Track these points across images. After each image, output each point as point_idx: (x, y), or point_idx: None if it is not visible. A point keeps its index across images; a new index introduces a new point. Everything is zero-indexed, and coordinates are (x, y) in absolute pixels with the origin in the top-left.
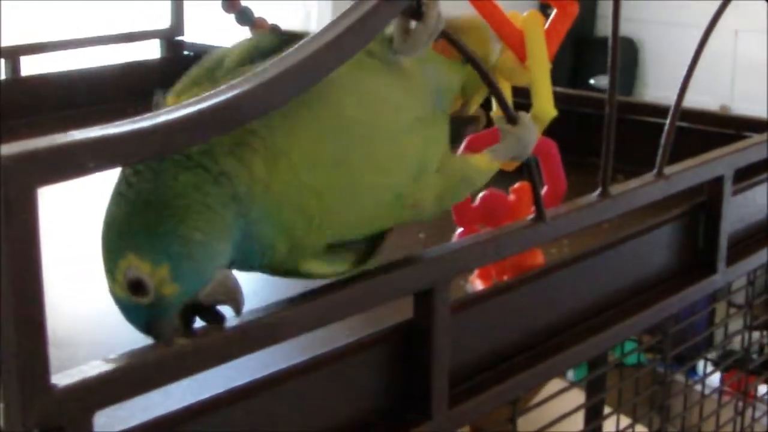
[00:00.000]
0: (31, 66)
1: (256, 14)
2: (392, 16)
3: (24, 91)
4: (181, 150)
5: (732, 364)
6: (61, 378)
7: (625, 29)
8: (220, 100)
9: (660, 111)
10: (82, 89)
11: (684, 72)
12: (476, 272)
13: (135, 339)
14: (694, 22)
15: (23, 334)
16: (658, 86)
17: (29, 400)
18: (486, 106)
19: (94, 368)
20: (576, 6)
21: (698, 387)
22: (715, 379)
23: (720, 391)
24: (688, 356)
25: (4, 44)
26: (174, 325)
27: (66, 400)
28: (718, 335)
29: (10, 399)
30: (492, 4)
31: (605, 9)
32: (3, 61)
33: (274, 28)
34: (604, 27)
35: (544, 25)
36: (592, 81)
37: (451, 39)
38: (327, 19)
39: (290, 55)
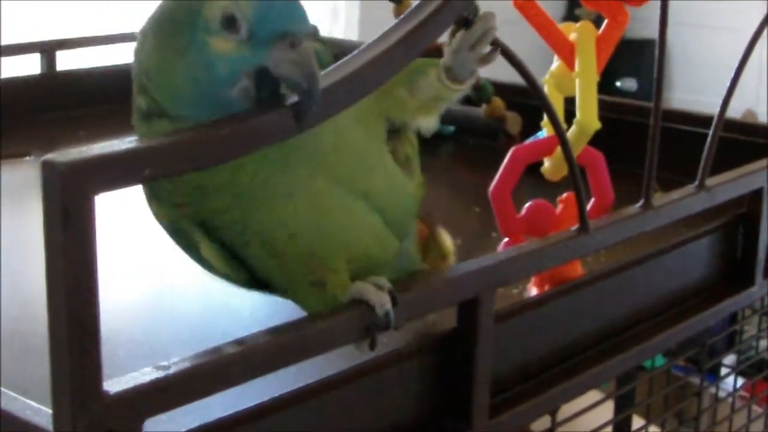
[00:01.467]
0: (66, 61)
1: None
2: (445, 27)
3: (59, 85)
4: (237, 158)
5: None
6: (114, 385)
7: (649, 32)
8: (277, 111)
9: (692, 119)
10: (117, 85)
11: (712, 74)
12: (533, 279)
13: (171, 338)
14: (722, 24)
15: (77, 340)
16: (685, 89)
17: (80, 407)
18: (523, 112)
19: (146, 375)
20: (627, 16)
21: (721, 395)
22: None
23: (746, 400)
24: (716, 366)
25: (40, 39)
26: (249, 91)
27: (118, 407)
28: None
29: (60, 405)
30: (544, 15)
31: (631, 10)
32: (39, 55)
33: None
34: (629, 28)
35: (595, 36)
36: (618, 83)
37: (505, 52)
38: (355, 18)
39: (344, 65)
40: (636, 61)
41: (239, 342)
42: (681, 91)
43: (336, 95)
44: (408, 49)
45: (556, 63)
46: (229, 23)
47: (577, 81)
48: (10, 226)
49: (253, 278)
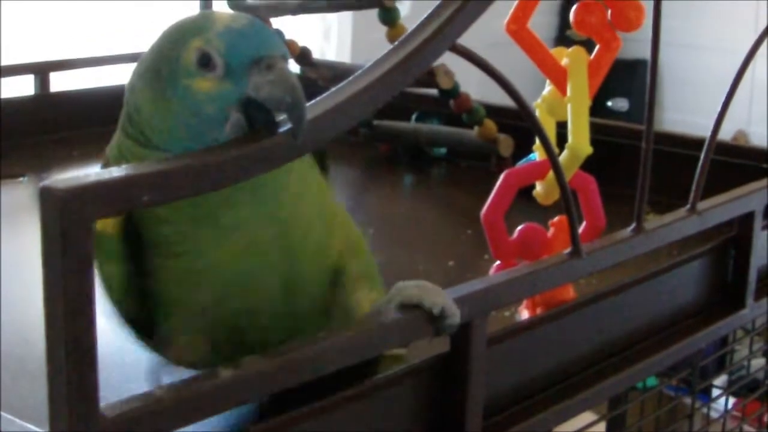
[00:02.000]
0: (60, 82)
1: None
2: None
3: (53, 107)
4: (236, 183)
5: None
6: (110, 408)
7: (641, 52)
8: (276, 135)
9: (683, 142)
10: (110, 106)
11: (703, 94)
12: (524, 302)
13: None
14: (713, 44)
15: (74, 364)
16: (676, 109)
17: (77, 430)
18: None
19: (142, 399)
20: (619, 42)
21: (713, 415)
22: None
23: (738, 420)
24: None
25: (33, 60)
26: (241, 123)
27: (115, 430)
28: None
29: (58, 428)
30: (536, 40)
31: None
32: (33, 76)
33: (304, 51)
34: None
35: (587, 61)
36: (609, 104)
37: (496, 77)
38: (347, 39)
39: (341, 90)
40: (627, 81)
41: (234, 365)
42: (672, 112)
43: (339, 115)
44: (404, 73)
45: (548, 88)
46: (205, 62)
47: (569, 106)
48: (5, 247)
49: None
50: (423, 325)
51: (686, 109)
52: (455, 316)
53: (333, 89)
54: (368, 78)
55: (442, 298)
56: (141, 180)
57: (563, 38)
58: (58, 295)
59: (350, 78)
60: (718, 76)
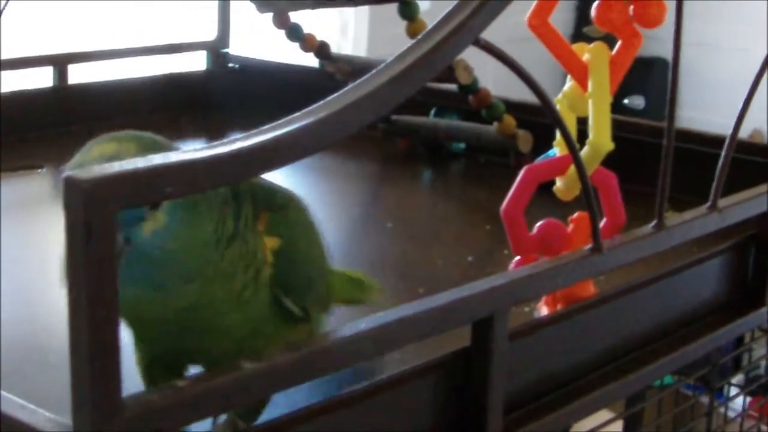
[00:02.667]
0: (78, 74)
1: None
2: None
3: (71, 99)
4: (258, 175)
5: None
6: (133, 399)
7: (658, 50)
8: (298, 127)
9: (703, 139)
10: (128, 99)
11: (720, 93)
12: (543, 298)
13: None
14: (731, 44)
15: (98, 355)
16: (693, 107)
17: (101, 422)
18: (534, 130)
19: (165, 391)
20: (641, 38)
21: (729, 414)
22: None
23: (756, 419)
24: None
25: (52, 52)
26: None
27: (137, 422)
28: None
29: (81, 419)
30: (558, 36)
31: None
32: (51, 68)
33: (323, 45)
34: None
35: (608, 57)
36: (626, 101)
37: (519, 72)
38: (363, 31)
39: (363, 84)
40: (644, 79)
41: (257, 358)
42: (688, 110)
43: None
44: (427, 68)
45: (569, 83)
46: None
47: (590, 102)
48: (25, 237)
49: None
50: None
51: (703, 107)
52: None
53: (353, 84)
54: (390, 73)
55: None
56: (166, 171)
57: (580, 35)
58: (81, 286)
59: (371, 72)
60: (736, 75)
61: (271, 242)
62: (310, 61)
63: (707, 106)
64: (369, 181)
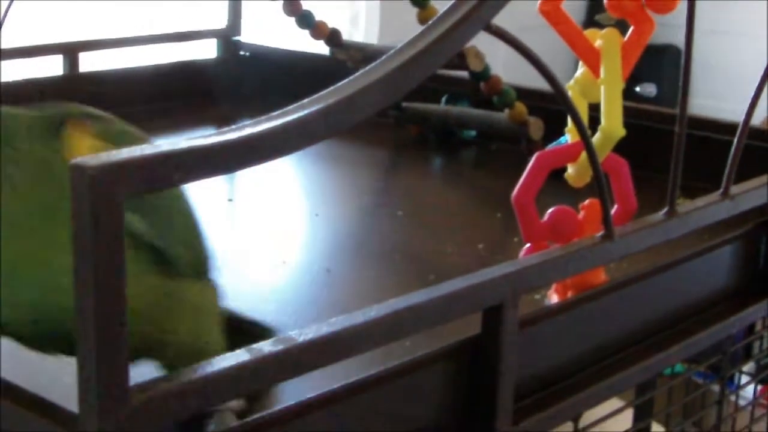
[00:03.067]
0: (89, 63)
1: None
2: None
3: (81, 87)
4: (264, 162)
5: None
6: (140, 387)
7: (670, 37)
8: (307, 113)
9: (715, 126)
10: (138, 87)
11: (732, 80)
12: (554, 286)
13: None
14: (743, 30)
15: (105, 342)
16: (705, 94)
17: (107, 409)
18: (545, 117)
19: (173, 378)
20: (653, 24)
21: (740, 402)
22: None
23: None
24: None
25: (63, 40)
26: None
27: (145, 410)
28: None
29: (87, 407)
30: (570, 21)
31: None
32: (61, 57)
33: (334, 32)
34: None
35: (621, 43)
36: (637, 89)
37: (531, 58)
38: (375, 22)
39: (373, 70)
40: (655, 66)
41: (277, 341)
42: (700, 98)
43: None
44: (438, 53)
45: (580, 69)
46: None
47: (602, 88)
48: None
49: None
50: None
51: (714, 95)
52: None
53: (364, 69)
54: (400, 59)
55: None
56: (172, 157)
57: (592, 22)
58: (88, 273)
59: (382, 58)
60: (748, 62)
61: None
62: (321, 48)
63: (719, 93)
64: (379, 169)
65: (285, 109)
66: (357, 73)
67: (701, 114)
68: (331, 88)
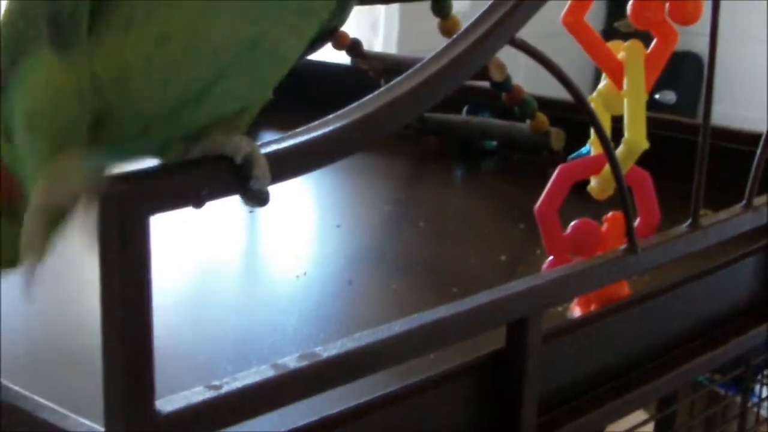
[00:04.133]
0: None
1: None
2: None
3: None
4: (293, 179)
5: None
6: (166, 404)
7: (689, 44)
8: (333, 129)
9: (738, 137)
10: None
11: (753, 87)
12: (577, 298)
13: (216, 354)
14: (761, 36)
15: (132, 359)
16: (725, 101)
17: (134, 426)
18: (566, 127)
19: (198, 394)
20: (677, 35)
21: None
22: None
23: None
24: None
25: None
26: None
27: (171, 427)
28: None
29: (113, 423)
30: (593, 33)
31: None
32: None
33: (355, 42)
34: None
35: (644, 55)
36: (656, 96)
37: (553, 70)
38: (394, 27)
39: (400, 84)
40: (674, 73)
41: (302, 357)
42: (721, 104)
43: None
44: (463, 67)
45: (603, 81)
46: None
47: (625, 100)
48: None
49: None
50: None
51: (736, 102)
52: (263, 174)
53: (388, 85)
54: (427, 72)
55: (250, 148)
56: (199, 177)
57: (611, 31)
58: (115, 292)
59: (407, 73)
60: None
61: None
62: (343, 58)
63: (741, 101)
64: (401, 179)
65: (311, 125)
66: (382, 88)
67: (722, 121)
68: (356, 104)
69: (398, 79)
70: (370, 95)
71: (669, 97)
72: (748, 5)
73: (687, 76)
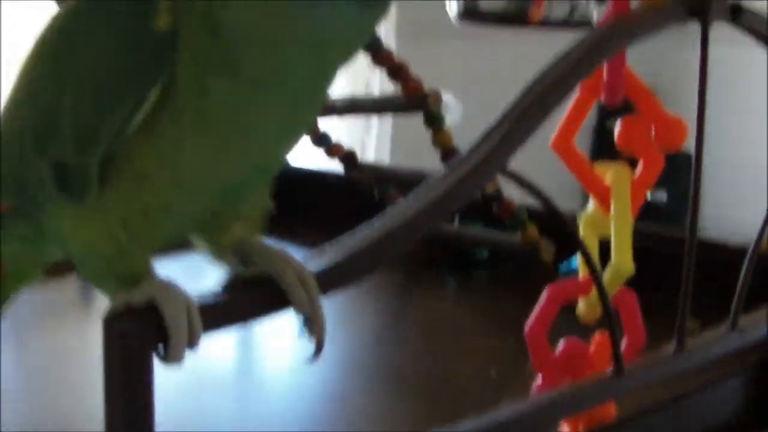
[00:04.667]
0: None
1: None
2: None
3: None
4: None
5: None
6: None
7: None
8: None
9: (724, 250)
10: None
11: (747, 188)
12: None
13: None
14: (757, 137)
15: None
16: (718, 204)
17: None
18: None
19: None
20: (662, 162)
21: None
22: None
23: None
24: None
25: None
26: None
27: None
28: None
29: None
30: (581, 158)
31: None
32: None
33: (350, 154)
34: None
35: (630, 179)
36: (648, 196)
37: (553, 211)
38: (387, 127)
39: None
40: (667, 173)
41: None
42: (714, 207)
43: None
44: (455, 198)
45: (591, 204)
46: None
47: (612, 224)
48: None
49: None
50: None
51: (729, 203)
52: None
53: (380, 218)
54: (419, 204)
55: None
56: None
57: (602, 128)
58: (119, 424)
59: (399, 206)
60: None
61: None
62: (338, 168)
63: (734, 202)
64: (393, 288)
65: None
66: (379, 217)
67: (714, 225)
68: (348, 237)
69: (390, 211)
70: (361, 231)
71: (660, 196)
72: (746, 106)
73: (678, 175)
